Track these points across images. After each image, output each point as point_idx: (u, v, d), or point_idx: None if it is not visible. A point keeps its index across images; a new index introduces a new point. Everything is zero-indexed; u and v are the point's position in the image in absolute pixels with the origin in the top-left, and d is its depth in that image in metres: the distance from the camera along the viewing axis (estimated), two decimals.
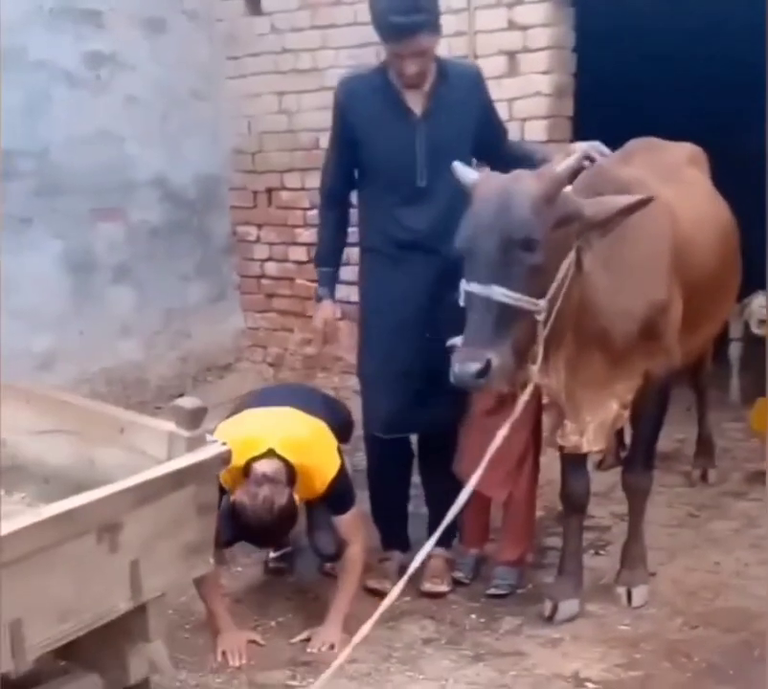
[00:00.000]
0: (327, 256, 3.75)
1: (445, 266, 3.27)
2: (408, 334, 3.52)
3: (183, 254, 6.12)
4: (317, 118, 5.77)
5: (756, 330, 5.13)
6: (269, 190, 6.20)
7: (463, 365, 2.76)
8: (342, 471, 3.28)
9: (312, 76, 5.82)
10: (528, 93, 5.03)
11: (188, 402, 2.54)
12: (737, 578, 3.64)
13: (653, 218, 3.17)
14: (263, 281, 6.35)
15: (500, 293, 2.79)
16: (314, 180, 5.85)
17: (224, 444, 2.59)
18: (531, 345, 2.90)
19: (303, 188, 6.02)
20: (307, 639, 3.32)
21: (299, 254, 6.13)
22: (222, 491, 2.95)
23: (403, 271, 3.53)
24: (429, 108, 3.47)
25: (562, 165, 2.95)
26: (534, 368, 2.94)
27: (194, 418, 2.50)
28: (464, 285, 2.88)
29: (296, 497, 3.10)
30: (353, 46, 5.56)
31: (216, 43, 6.13)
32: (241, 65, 6.12)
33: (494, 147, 3.64)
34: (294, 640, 3.28)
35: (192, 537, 2.51)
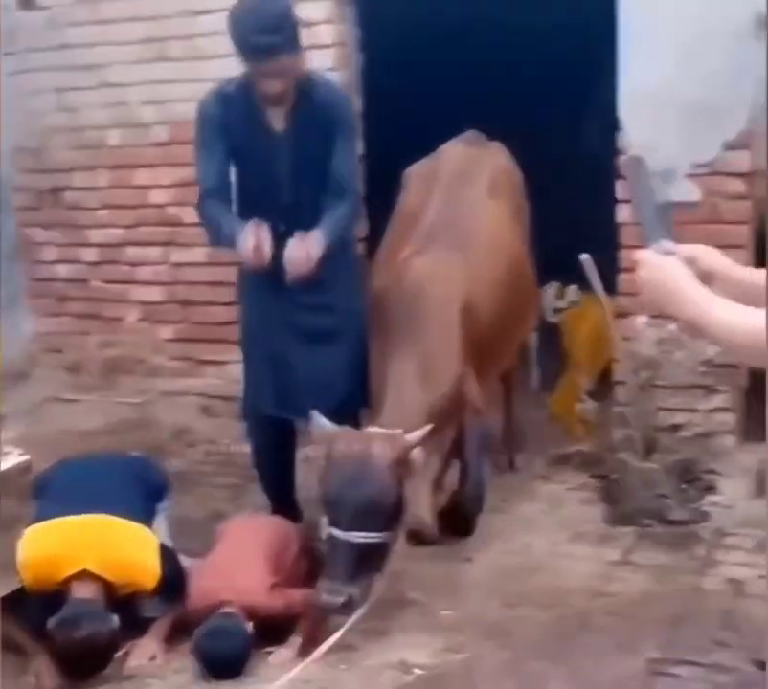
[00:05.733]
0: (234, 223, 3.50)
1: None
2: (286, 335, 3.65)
3: None
4: (101, 115, 5.68)
5: (551, 319, 5.29)
6: (55, 190, 5.97)
7: (329, 597, 3.04)
8: (165, 574, 3.20)
9: (93, 72, 5.65)
10: None
11: None
12: (549, 557, 3.76)
13: (442, 305, 3.55)
14: (55, 284, 6.11)
15: (358, 536, 3.09)
16: (101, 179, 5.77)
17: (21, 454, 2.45)
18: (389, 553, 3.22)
19: (90, 188, 5.83)
20: (127, 653, 3.21)
21: (91, 255, 5.94)
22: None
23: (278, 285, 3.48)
24: (291, 125, 3.44)
25: (415, 435, 3.19)
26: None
27: None
28: (326, 527, 3.14)
29: (116, 619, 3.04)
30: (134, 42, 5.46)
31: None
32: (20, 60, 5.85)
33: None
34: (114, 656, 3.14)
35: None
